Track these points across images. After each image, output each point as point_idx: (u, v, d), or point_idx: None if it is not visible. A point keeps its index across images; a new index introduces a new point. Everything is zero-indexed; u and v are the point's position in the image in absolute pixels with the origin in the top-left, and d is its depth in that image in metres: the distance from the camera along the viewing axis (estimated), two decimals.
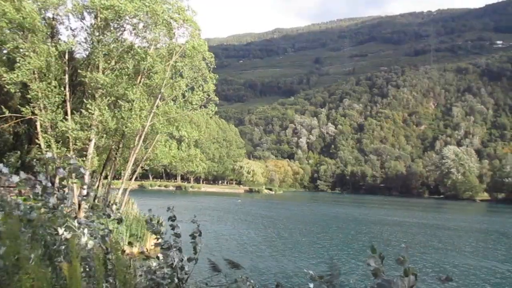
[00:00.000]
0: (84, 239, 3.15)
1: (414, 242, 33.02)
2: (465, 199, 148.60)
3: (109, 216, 3.55)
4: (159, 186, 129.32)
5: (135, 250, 18.84)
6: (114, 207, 3.67)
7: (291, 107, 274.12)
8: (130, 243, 5.88)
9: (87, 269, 3.07)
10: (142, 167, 27.39)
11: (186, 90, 24.97)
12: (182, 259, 3.49)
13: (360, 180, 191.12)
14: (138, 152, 24.83)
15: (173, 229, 3.66)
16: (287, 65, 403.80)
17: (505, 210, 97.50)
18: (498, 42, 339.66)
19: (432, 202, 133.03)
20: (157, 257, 3.58)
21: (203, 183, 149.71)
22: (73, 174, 3.17)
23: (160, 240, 3.59)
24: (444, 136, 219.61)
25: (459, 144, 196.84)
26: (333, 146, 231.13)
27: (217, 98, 25.61)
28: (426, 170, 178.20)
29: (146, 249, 19.38)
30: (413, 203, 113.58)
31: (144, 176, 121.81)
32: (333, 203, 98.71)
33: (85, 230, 3.26)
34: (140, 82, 23.64)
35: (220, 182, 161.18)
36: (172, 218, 3.79)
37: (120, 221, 3.68)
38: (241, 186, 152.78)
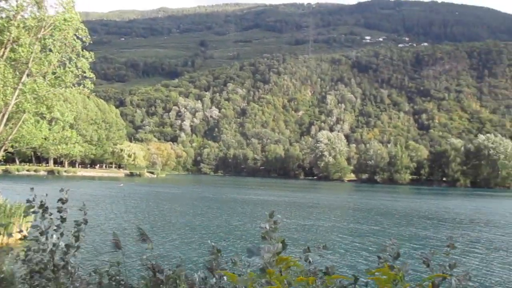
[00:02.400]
0: None
1: (286, 217, 35.10)
2: (335, 180, 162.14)
3: None
4: (28, 170, 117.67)
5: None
6: None
7: (175, 90, 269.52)
8: None
9: None
10: (5, 150, 24.57)
11: (58, 66, 22.85)
12: (64, 246, 3.38)
13: (242, 163, 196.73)
14: (1, 132, 22.19)
15: (60, 212, 3.55)
16: (171, 46, 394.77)
17: (367, 189, 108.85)
18: (367, 37, 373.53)
19: (307, 182, 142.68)
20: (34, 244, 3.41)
21: (79, 167, 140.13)
22: None
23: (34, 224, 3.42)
24: (319, 121, 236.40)
25: (331, 129, 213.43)
26: (216, 129, 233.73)
27: (94, 76, 23.94)
28: (302, 153, 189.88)
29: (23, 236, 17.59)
30: (290, 184, 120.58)
31: (9, 159, 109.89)
32: (215, 185, 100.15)
33: None
34: (3, 55, 21.02)
35: (98, 166, 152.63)
36: (63, 201, 3.65)
37: None
38: (121, 170, 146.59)
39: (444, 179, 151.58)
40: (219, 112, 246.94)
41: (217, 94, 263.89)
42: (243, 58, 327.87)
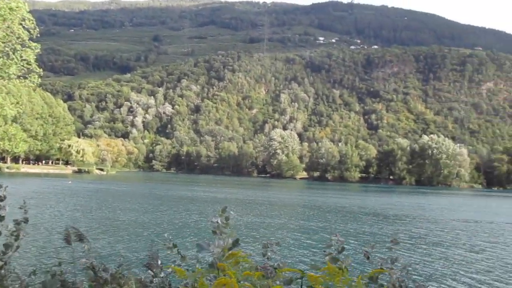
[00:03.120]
0: None
1: (238, 214, 35.35)
2: (288, 177, 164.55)
3: None
4: None
5: None
6: None
7: (127, 84, 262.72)
8: None
9: None
10: None
11: (0, 57, 21.70)
12: (3, 246, 3.25)
13: (195, 160, 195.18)
14: None
15: None
16: (124, 40, 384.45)
17: (318, 186, 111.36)
18: (320, 38, 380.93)
19: (260, 180, 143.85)
20: None
21: (23, 163, 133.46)
22: None
23: None
24: (272, 120, 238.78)
25: (284, 127, 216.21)
26: (169, 126, 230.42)
27: (41, 69, 22.92)
28: (256, 151, 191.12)
29: None
30: (243, 182, 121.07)
31: None
32: (167, 182, 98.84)
33: None
34: None
35: (44, 162, 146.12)
36: (1, 199, 3.50)
37: None
38: (68, 166, 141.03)
39: (391, 177, 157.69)
40: (173, 108, 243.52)
41: (171, 90, 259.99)
42: (197, 55, 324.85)
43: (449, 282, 17.35)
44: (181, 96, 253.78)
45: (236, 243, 2.37)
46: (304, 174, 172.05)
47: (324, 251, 3.11)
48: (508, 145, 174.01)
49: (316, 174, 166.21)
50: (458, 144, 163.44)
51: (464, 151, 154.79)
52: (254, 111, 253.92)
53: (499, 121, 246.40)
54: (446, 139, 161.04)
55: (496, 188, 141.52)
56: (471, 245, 26.35)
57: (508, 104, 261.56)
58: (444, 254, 22.91)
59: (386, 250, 3.44)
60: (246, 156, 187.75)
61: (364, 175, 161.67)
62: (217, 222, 2.45)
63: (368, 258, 3.28)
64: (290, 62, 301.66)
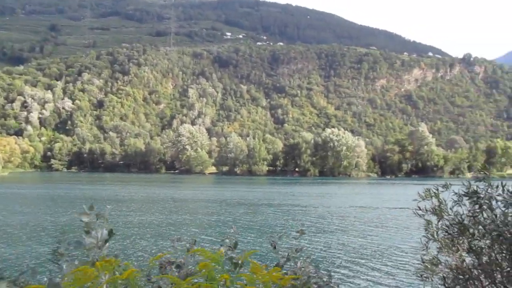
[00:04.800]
0: None
1: (142, 212, 34.43)
2: (197, 173, 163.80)
3: None
4: None
5: None
6: None
7: (20, 77, 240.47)
8: None
9: None
10: None
11: None
12: None
13: (99, 158, 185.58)
14: None
15: None
16: (15, 29, 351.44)
17: (227, 181, 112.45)
18: (228, 33, 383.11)
19: (168, 176, 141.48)
20: None
21: None
22: None
23: None
24: (180, 115, 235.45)
25: (193, 123, 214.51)
26: (69, 122, 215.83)
27: None
28: (164, 147, 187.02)
29: None
30: (151, 179, 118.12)
31: None
32: (67, 182, 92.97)
33: None
34: None
35: None
36: None
37: None
38: None
39: (296, 169, 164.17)
40: (73, 103, 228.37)
41: (71, 84, 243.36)
42: (100, 47, 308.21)
43: (346, 266, 18.62)
44: (82, 90, 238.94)
45: (111, 233, 2.32)
46: (213, 169, 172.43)
47: (221, 245, 3.13)
48: (399, 137, 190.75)
49: (225, 168, 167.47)
50: (356, 137, 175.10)
51: (362, 143, 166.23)
52: (162, 106, 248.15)
53: (391, 115, 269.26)
54: (346, 132, 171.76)
55: (389, 177, 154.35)
56: (364, 230, 28.55)
57: (399, 100, 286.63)
58: (340, 240, 24.53)
59: (293, 238, 3.51)
60: (153, 152, 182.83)
61: (271, 168, 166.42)
62: (87, 220, 2.39)
63: (274, 247, 3.30)
64: (197, 56, 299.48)
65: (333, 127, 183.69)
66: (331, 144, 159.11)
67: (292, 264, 3.16)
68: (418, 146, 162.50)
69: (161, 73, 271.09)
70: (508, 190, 4.13)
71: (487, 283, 4.02)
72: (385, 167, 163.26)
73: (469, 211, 4.25)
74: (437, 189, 4.52)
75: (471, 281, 4.09)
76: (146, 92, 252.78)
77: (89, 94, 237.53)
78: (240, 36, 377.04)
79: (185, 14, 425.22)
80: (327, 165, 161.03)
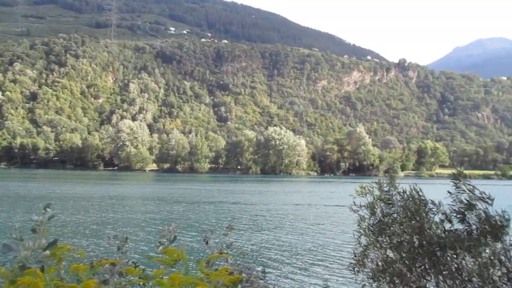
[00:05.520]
0: None
1: (76, 210, 33.26)
2: (137, 170, 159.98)
3: None
4: None
5: None
6: None
7: None
8: None
9: None
10: None
11: None
12: None
13: (31, 153, 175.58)
14: None
15: None
16: None
17: (168, 178, 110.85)
18: (172, 28, 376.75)
19: (106, 173, 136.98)
20: None
21: None
22: None
23: None
24: (120, 110, 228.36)
25: (134, 118, 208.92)
26: None
27: None
28: (102, 143, 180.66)
29: None
30: (87, 176, 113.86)
31: None
32: None
33: None
34: None
35: None
36: None
37: None
38: None
39: (238, 167, 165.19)
40: (3, 95, 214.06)
41: (0, 74, 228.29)
42: (34, 36, 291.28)
43: (281, 262, 19.13)
44: (14, 81, 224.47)
45: (54, 243, 2.27)
46: (154, 166, 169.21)
47: (159, 242, 3.12)
48: (338, 136, 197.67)
49: (166, 165, 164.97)
50: (297, 136, 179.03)
51: (303, 142, 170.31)
52: (101, 100, 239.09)
53: (331, 115, 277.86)
54: (288, 131, 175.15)
55: (327, 175, 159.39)
56: (301, 227, 29.42)
57: (339, 101, 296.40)
58: (277, 237, 25.14)
59: (224, 235, 3.53)
60: (91, 148, 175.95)
61: (213, 165, 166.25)
62: (38, 220, 2.34)
63: (207, 243, 3.37)
64: (140, 51, 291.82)
65: (275, 126, 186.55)
66: (273, 143, 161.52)
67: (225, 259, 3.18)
68: (355, 146, 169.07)
69: (100, 66, 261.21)
70: (405, 192, 4.59)
71: (408, 275, 4.34)
72: (324, 166, 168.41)
73: (387, 211, 4.62)
74: (373, 187, 4.91)
75: (395, 273, 4.41)
76: (84, 86, 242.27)
77: (22, 86, 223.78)
78: (185, 32, 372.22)
79: (127, 6, 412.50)
80: (269, 163, 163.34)
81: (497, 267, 3.88)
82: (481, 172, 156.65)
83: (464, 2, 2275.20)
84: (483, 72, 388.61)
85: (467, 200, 4.13)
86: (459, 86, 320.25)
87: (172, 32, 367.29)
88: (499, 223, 3.91)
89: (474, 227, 4.05)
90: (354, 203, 4.83)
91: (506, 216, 3.95)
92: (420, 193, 4.46)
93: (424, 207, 4.39)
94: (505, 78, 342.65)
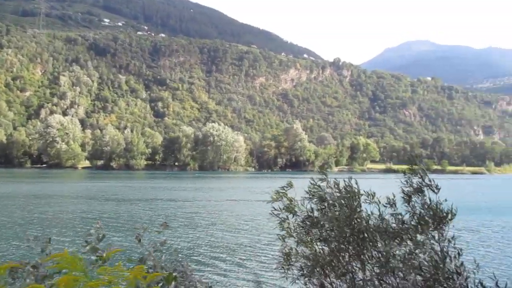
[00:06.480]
0: None
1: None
2: (68, 167, 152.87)
3: None
4: None
5: None
6: None
7: None
8: None
9: None
10: None
11: None
12: None
13: None
14: None
15: None
16: None
17: (102, 175, 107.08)
18: (106, 20, 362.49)
19: (34, 171, 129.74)
20: None
21: None
22: None
23: None
24: (50, 104, 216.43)
25: (64, 113, 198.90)
26: None
27: None
28: (29, 139, 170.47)
29: None
30: (12, 174, 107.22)
31: None
32: None
33: None
34: None
35: None
36: None
37: None
38: None
39: (176, 163, 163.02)
40: None
41: None
42: None
43: (213, 259, 19.38)
44: None
45: None
46: (87, 163, 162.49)
47: (86, 241, 3.06)
48: (276, 133, 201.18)
49: (100, 162, 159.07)
50: (235, 132, 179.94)
51: (241, 138, 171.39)
52: (28, 93, 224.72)
53: (269, 112, 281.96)
54: (226, 127, 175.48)
55: (265, 171, 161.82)
56: (234, 223, 29.85)
57: (276, 97, 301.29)
58: (210, 234, 25.38)
59: (156, 232, 3.55)
60: (17, 144, 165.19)
61: (150, 162, 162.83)
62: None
63: (139, 241, 3.31)
64: (71, 42, 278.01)
65: (214, 122, 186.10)
66: (211, 139, 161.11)
67: (158, 255, 3.17)
68: (292, 142, 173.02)
69: (27, 57, 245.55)
70: (337, 186, 4.99)
71: (336, 266, 4.69)
72: (262, 162, 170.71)
73: (317, 206, 4.95)
74: (284, 189, 5.22)
75: (325, 264, 4.71)
76: (9, 77, 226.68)
77: None
78: (120, 24, 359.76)
79: None
80: (207, 160, 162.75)
81: (426, 254, 4.18)
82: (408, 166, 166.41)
83: (393, 5, 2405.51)
84: (410, 72, 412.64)
85: (418, 184, 4.54)
86: (389, 85, 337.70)
87: (107, 24, 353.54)
88: (442, 212, 4.33)
89: (417, 211, 4.38)
90: (274, 207, 5.09)
91: (448, 207, 4.29)
92: (354, 185, 4.78)
93: (356, 198, 4.70)
94: (429, 79, 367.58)
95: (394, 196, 4.69)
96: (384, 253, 4.36)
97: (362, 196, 4.74)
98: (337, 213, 4.75)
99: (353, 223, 4.58)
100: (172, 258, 3.22)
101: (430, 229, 4.29)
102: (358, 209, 4.65)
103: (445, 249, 4.11)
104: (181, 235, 23.73)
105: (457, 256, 4.07)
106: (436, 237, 4.22)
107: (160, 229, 3.57)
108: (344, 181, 4.78)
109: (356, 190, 4.76)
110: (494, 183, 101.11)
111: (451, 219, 4.27)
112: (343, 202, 4.78)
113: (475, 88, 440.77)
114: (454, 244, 4.08)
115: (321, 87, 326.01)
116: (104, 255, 2.59)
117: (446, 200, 4.31)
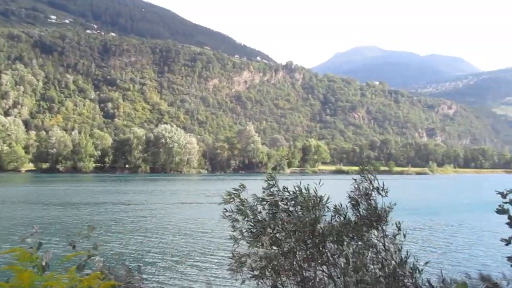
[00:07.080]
0: None
1: None
2: (10, 170, 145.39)
3: None
4: None
5: None
6: None
7: None
8: None
9: None
10: None
11: None
12: None
13: None
14: None
15: None
16: None
17: (46, 179, 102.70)
18: (52, 16, 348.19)
19: None
20: None
21: None
22: None
23: None
24: None
25: (7, 114, 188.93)
26: None
27: None
28: None
29: None
30: None
31: None
32: None
33: None
34: None
35: None
36: None
37: None
38: None
39: (127, 166, 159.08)
40: None
41: None
42: None
43: (161, 262, 19.22)
44: None
45: None
46: (30, 166, 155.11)
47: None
48: (229, 135, 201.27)
49: (46, 165, 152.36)
50: (188, 134, 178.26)
51: (194, 140, 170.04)
52: None
53: (222, 114, 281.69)
54: (178, 128, 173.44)
55: (218, 173, 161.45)
56: (184, 227, 29.70)
57: (229, 99, 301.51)
58: (159, 238, 25.14)
59: (91, 237, 3.52)
60: None
61: (99, 164, 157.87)
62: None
63: (74, 247, 3.30)
64: (14, 39, 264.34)
65: (166, 123, 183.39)
66: (163, 141, 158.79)
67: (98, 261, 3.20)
68: (245, 144, 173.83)
69: None
70: (287, 190, 5.16)
71: (288, 267, 4.87)
72: (215, 164, 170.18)
73: (269, 210, 5.07)
74: (237, 191, 5.33)
75: (276, 267, 4.85)
76: None
77: None
78: (67, 21, 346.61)
79: None
80: (159, 162, 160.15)
81: (371, 253, 4.48)
82: (358, 168, 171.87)
83: (343, 6, 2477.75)
84: (360, 77, 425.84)
85: (365, 189, 4.85)
86: (339, 89, 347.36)
87: (53, 21, 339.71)
88: (381, 212, 4.67)
89: (363, 214, 4.70)
90: (226, 209, 5.26)
91: (387, 207, 4.65)
92: (303, 190, 4.96)
93: (312, 203, 4.86)
94: (377, 83, 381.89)
95: (346, 201, 4.90)
96: (335, 253, 4.64)
97: (312, 200, 4.91)
98: (289, 217, 4.92)
99: (305, 226, 4.76)
100: (114, 263, 3.18)
101: (373, 228, 4.64)
102: (311, 213, 4.83)
103: (387, 246, 4.47)
104: (126, 239, 23.38)
105: (397, 252, 4.42)
106: (380, 236, 4.58)
107: (87, 233, 3.48)
108: (297, 186, 4.93)
109: (307, 195, 4.96)
110: (436, 183, 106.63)
111: (386, 217, 4.64)
112: (294, 208, 4.99)
113: (419, 93, 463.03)
114: (398, 241, 4.43)
115: (274, 89, 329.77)
116: (44, 263, 2.50)
117: (394, 204, 4.66)
